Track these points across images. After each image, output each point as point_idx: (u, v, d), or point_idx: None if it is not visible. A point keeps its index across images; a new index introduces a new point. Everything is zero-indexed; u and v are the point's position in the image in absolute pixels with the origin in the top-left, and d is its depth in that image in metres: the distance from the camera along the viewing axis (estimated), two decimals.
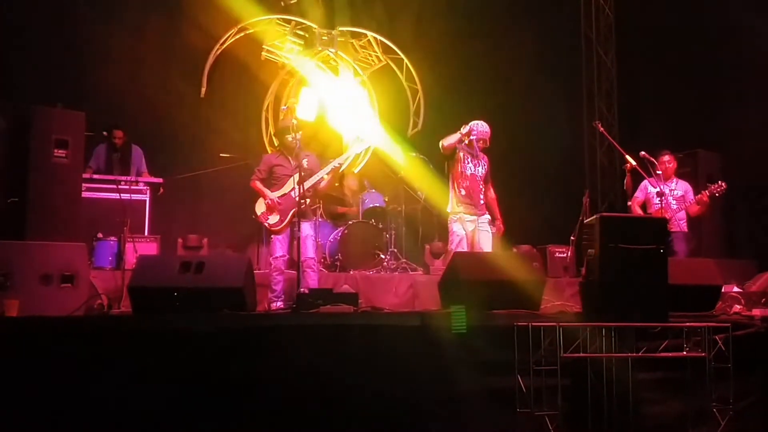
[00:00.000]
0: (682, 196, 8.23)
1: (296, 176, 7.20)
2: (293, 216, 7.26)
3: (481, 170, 7.44)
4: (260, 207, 7.48)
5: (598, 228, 5.43)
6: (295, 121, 7.67)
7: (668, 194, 8.10)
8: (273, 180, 7.53)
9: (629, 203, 8.40)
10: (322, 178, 7.60)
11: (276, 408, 4.80)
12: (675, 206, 8.11)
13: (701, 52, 10.28)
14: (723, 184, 7.97)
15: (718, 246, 9.70)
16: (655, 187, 7.97)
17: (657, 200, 7.95)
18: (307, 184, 7.45)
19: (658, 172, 8.09)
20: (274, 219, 7.39)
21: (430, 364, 5.06)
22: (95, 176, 8.19)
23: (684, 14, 10.47)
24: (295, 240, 7.21)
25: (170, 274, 5.38)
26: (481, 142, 7.39)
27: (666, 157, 8.37)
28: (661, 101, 10.71)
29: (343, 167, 8.23)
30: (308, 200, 7.51)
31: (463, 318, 5.03)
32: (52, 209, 6.56)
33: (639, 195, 8.40)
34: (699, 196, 8.08)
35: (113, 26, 9.68)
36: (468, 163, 7.40)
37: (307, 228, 7.39)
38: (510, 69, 11.43)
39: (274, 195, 7.43)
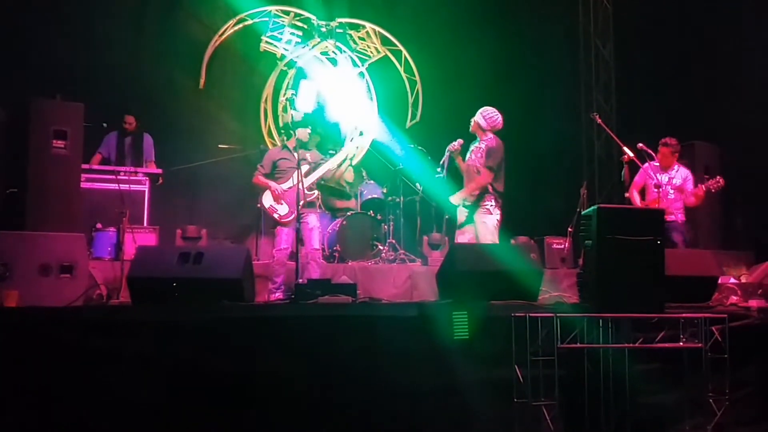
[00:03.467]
0: (681, 185, 8.11)
1: (302, 168, 7.35)
2: (301, 207, 7.34)
3: (473, 157, 7.36)
4: (267, 199, 7.52)
5: (595, 219, 5.44)
6: (295, 112, 7.73)
7: (666, 183, 8.06)
8: (277, 174, 7.60)
9: (627, 195, 8.36)
10: (328, 170, 7.73)
11: (274, 398, 4.82)
12: (672, 196, 8.06)
13: (699, 44, 10.27)
14: (721, 180, 7.91)
15: (715, 237, 9.72)
16: (651, 179, 7.94)
17: (655, 189, 7.93)
18: (314, 176, 7.57)
19: (655, 163, 8.07)
20: (283, 210, 7.44)
21: (427, 355, 5.07)
22: (94, 167, 8.22)
23: (682, 6, 10.47)
24: (299, 232, 7.28)
25: (169, 264, 5.38)
26: (473, 124, 7.39)
27: (663, 148, 8.18)
28: (659, 93, 10.71)
29: (345, 160, 8.30)
30: (315, 192, 7.63)
31: (465, 323, 5.04)
32: (51, 200, 6.57)
33: (638, 180, 8.27)
34: (695, 189, 8.03)
35: (112, 17, 9.69)
36: (468, 153, 7.40)
37: (314, 220, 7.55)
38: (508, 60, 11.44)
39: (282, 186, 7.49)
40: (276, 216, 7.49)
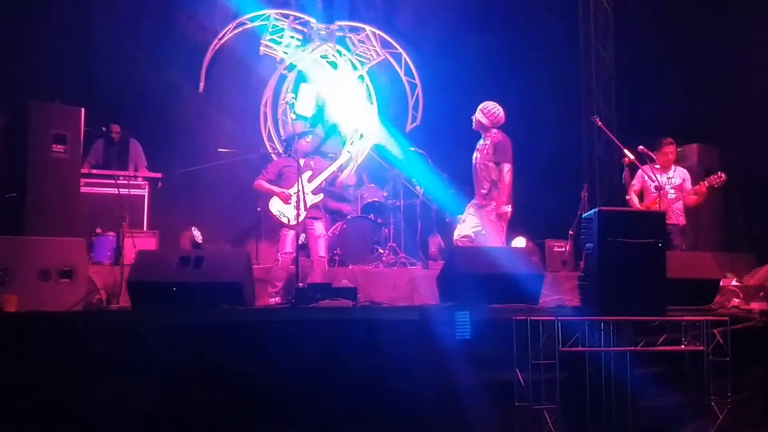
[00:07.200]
0: (680, 184, 8.10)
1: (306, 174, 7.57)
2: (309, 212, 7.38)
3: (479, 156, 7.31)
4: (275, 205, 7.57)
5: (596, 222, 5.43)
6: (294, 116, 7.77)
7: (666, 183, 8.03)
8: (282, 182, 7.65)
9: (628, 197, 8.35)
10: (335, 174, 7.83)
11: (275, 402, 4.81)
12: (672, 196, 8.03)
13: (700, 47, 10.26)
14: (723, 175, 7.89)
15: (716, 239, 9.70)
16: (653, 181, 7.91)
17: (654, 192, 7.92)
18: (318, 181, 7.63)
19: (656, 165, 8.05)
20: (292, 213, 7.46)
21: (428, 358, 5.06)
22: (94, 171, 8.20)
23: (682, 9, 10.46)
24: (302, 236, 7.31)
25: (169, 269, 5.39)
26: (475, 121, 7.32)
27: (669, 147, 8.20)
28: (660, 95, 10.69)
29: (348, 162, 8.36)
30: (322, 195, 7.69)
31: (467, 324, 5.03)
32: (51, 204, 6.56)
33: (636, 183, 8.27)
34: (698, 186, 7.99)
35: (111, 21, 9.68)
36: (474, 153, 7.39)
37: (320, 228, 7.59)
38: (508, 63, 11.42)
39: (290, 191, 7.53)
40: (285, 220, 7.52)
